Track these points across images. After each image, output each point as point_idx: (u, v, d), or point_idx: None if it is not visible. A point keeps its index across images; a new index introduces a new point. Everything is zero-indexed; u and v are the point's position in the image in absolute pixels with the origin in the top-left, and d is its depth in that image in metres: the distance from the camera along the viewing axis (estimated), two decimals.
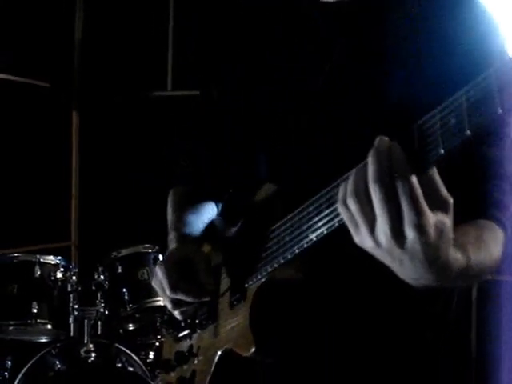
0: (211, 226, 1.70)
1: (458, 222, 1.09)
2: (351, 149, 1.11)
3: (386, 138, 1.02)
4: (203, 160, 1.76)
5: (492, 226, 1.26)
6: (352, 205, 1.03)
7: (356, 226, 1.05)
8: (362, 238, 1.05)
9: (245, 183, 1.59)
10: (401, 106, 1.30)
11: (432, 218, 0.99)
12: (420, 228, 0.98)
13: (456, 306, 1.46)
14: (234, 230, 1.58)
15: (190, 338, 1.65)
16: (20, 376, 3.00)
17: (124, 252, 3.30)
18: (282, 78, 1.49)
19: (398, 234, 1.00)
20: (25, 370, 3.01)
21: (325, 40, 1.44)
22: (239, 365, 1.47)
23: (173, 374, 1.67)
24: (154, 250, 3.30)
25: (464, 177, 1.25)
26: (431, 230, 0.99)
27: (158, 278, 1.53)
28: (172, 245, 1.62)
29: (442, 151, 0.95)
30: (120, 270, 3.26)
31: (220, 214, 1.73)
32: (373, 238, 1.03)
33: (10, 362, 3.21)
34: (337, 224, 1.13)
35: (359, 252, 1.08)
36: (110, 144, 4.67)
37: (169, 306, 1.56)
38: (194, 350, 1.61)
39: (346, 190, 1.05)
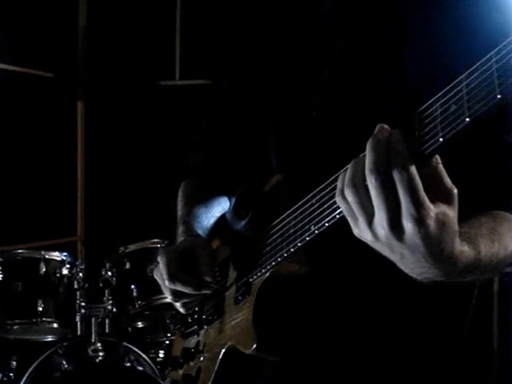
0: (222, 219, 1.69)
1: (473, 213, 1.10)
2: (361, 138, 1.06)
3: (386, 126, 0.99)
4: (215, 153, 1.75)
5: (509, 217, 1.22)
6: (349, 196, 1.01)
7: (354, 218, 1.02)
8: (360, 230, 1.03)
9: (257, 176, 1.56)
10: (413, 93, 1.24)
11: (433, 209, 0.95)
12: (419, 220, 0.95)
13: (477, 299, 1.41)
14: (242, 223, 1.57)
15: (198, 335, 1.64)
16: (25, 376, 2.97)
17: (132, 247, 3.28)
18: (291, 68, 1.49)
19: (395, 227, 0.97)
20: (30, 370, 2.99)
21: (333, 25, 1.42)
22: (244, 362, 1.44)
23: (180, 372, 1.66)
24: (162, 245, 3.26)
25: (481, 167, 1.23)
26: (431, 222, 0.95)
27: (159, 269, 1.53)
28: (180, 238, 1.62)
29: (441, 139, 0.92)
30: (128, 266, 3.25)
31: (232, 208, 1.71)
32: (371, 231, 1.00)
33: (15, 362, 3.19)
34: (337, 216, 1.11)
35: (364, 245, 1.06)
36: (116, 136, 4.65)
37: (169, 298, 1.55)
38: (201, 347, 1.60)
39: (343, 180, 1.03)
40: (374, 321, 1.38)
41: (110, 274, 3.17)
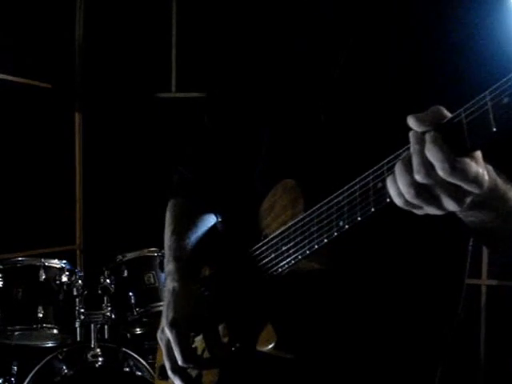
0: (213, 239, 1.66)
1: None
2: (368, 138, 1.11)
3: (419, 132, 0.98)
4: (204, 166, 1.70)
5: None
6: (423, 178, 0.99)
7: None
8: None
9: (249, 191, 1.56)
10: (422, 93, 1.28)
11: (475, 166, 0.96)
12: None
13: (462, 312, 1.44)
14: (241, 228, 1.55)
15: (193, 342, 1.60)
16: (26, 381, 2.99)
17: (129, 256, 3.30)
18: (297, 70, 1.46)
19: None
20: (31, 375, 3.01)
21: (339, 30, 1.41)
22: (250, 361, 1.44)
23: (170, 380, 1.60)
24: (159, 254, 3.29)
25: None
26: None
27: (170, 343, 1.48)
28: (174, 277, 1.57)
29: (495, 129, 0.91)
30: (126, 274, 3.27)
31: (223, 224, 1.68)
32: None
33: (16, 368, 3.21)
34: (373, 209, 1.11)
35: (379, 242, 1.08)
36: (113, 146, 4.66)
37: (172, 372, 1.50)
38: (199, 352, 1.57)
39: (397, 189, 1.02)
40: (387, 321, 1.38)
41: (108, 281, 3.19)
